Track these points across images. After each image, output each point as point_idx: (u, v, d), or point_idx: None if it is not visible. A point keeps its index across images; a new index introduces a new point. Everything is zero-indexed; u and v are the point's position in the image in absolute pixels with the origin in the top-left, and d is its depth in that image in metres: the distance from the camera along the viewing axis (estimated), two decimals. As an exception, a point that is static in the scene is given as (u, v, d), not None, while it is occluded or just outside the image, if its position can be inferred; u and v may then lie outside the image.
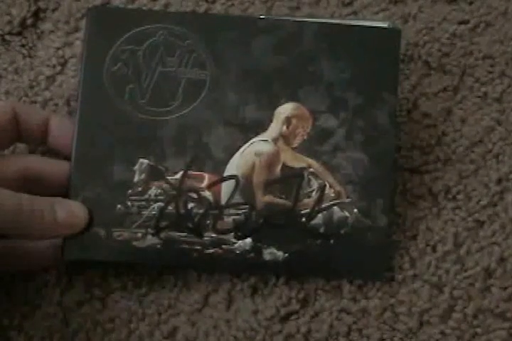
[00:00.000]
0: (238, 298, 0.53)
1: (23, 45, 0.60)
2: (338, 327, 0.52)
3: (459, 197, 0.55)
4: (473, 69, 0.59)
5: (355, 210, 0.51)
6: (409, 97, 0.58)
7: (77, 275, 0.53)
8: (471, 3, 0.61)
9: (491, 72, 0.59)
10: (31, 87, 0.59)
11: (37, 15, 0.61)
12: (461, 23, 0.61)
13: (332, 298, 0.53)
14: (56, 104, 0.58)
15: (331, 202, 0.51)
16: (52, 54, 0.60)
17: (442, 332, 0.52)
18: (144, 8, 0.61)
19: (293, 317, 0.52)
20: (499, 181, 0.56)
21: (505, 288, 0.53)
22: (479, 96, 0.58)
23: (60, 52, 0.60)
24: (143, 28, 0.52)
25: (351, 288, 0.53)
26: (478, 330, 0.52)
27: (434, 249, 0.54)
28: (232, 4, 0.61)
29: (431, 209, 0.55)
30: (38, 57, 0.60)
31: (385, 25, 0.55)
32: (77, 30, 0.61)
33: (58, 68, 0.59)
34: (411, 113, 0.58)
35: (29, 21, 0.60)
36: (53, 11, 0.61)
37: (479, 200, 0.55)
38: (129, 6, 0.60)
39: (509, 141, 0.57)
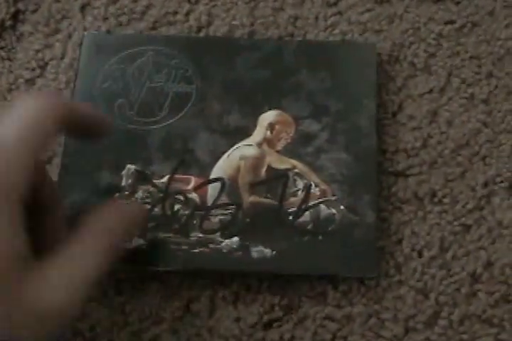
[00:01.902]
0: (220, 305, 0.53)
1: (1, 48, 0.61)
2: (323, 334, 0.52)
3: (445, 200, 0.55)
4: (459, 70, 0.59)
5: (342, 207, 0.52)
6: (394, 99, 0.58)
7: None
8: (457, 3, 0.62)
9: (477, 73, 0.59)
10: (10, 91, 0.59)
11: (16, 17, 0.61)
12: (447, 23, 0.61)
13: (316, 304, 0.53)
14: (35, 108, 0.58)
15: (318, 200, 0.53)
16: (32, 56, 0.60)
17: (428, 339, 0.52)
18: (125, 9, 0.61)
19: (276, 325, 0.52)
20: (486, 184, 0.56)
21: (492, 294, 0.52)
22: (466, 98, 0.58)
23: (40, 54, 0.60)
24: (133, 49, 0.57)
25: (335, 295, 0.53)
26: (465, 337, 0.51)
27: (419, 254, 0.54)
28: (215, 5, 0.62)
29: (416, 214, 0.55)
30: (17, 60, 0.60)
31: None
32: (57, 32, 0.61)
33: (38, 71, 0.60)
34: (396, 115, 0.58)
35: (8, 23, 0.61)
36: (33, 12, 0.62)
37: (466, 204, 0.55)
38: (119, 33, 0.61)
39: (496, 144, 0.57)
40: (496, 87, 0.59)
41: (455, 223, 0.54)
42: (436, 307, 0.52)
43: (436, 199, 0.55)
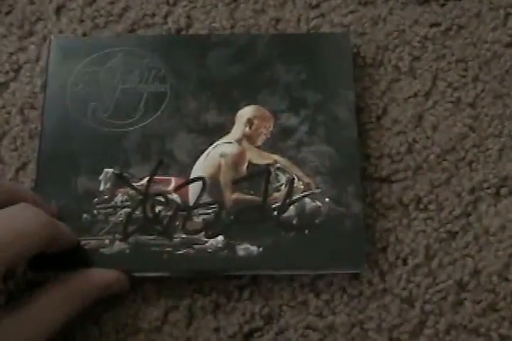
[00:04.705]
0: (199, 314, 0.52)
1: (-26, 51, 0.61)
2: (305, 344, 0.52)
3: (431, 207, 0.55)
4: (445, 74, 0.60)
5: (327, 199, 0.53)
6: (378, 103, 0.59)
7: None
8: (443, 5, 0.62)
9: (463, 77, 0.60)
10: (-18, 94, 0.59)
11: (-12, 19, 0.62)
12: (432, 25, 0.62)
13: (297, 313, 0.53)
14: (9, 113, 0.59)
15: (302, 194, 0.53)
16: (5, 59, 0.61)
17: (413, 349, 0.52)
18: (102, 11, 0.62)
19: (257, 335, 0.52)
20: (472, 190, 0.56)
21: (478, 302, 0.53)
22: (452, 102, 0.59)
23: (14, 57, 0.61)
24: (103, 51, 0.58)
25: (318, 303, 0.53)
26: (451, 347, 0.52)
27: (404, 262, 0.54)
28: (194, 7, 0.62)
29: (401, 220, 0.55)
30: (-11, 63, 0.60)
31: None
32: (31, 34, 0.61)
33: (11, 74, 0.60)
34: (380, 119, 0.58)
35: (-20, 25, 0.61)
36: (6, 14, 0.62)
37: (452, 210, 0.55)
38: (88, 36, 0.62)
39: (483, 149, 0.57)
40: (483, 90, 0.59)
41: (441, 230, 0.55)
42: (422, 316, 0.52)
43: (421, 206, 0.56)
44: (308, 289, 0.53)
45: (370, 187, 0.56)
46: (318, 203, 0.53)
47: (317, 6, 0.62)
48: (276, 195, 0.53)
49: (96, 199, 0.53)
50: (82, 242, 0.51)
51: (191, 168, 0.54)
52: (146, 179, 0.54)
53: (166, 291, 0.53)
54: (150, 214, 0.53)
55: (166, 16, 0.62)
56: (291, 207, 0.53)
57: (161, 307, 0.53)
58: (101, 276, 0.50)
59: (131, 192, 0.53)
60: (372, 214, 0.55)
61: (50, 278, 0.49)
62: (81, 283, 0.48)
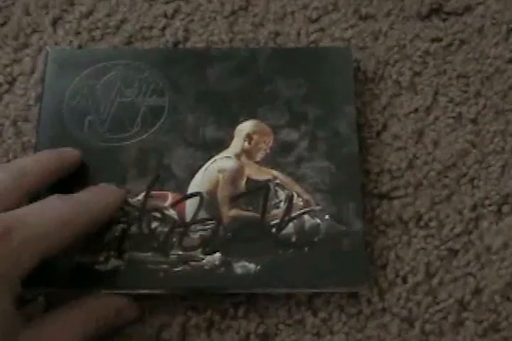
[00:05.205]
0: (193, 332, 0.52)
1: (-33, 62, 0.60)
2: (301, 364, 0.51)
3: (431, 224, 0.55)
4: (446, 89, 0.59)
5: (327, 216, 0.52)
6: (378, 118, 0.58)
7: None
8: (444, 20, 0.62)
9: (465, 92, 0.59)
10: (-24, 107, 0.59)
11: (-17, 30, 0.61)
12: (434, 40, 0.61)
13: (294, 332, 0.52)
14: (2, 125, 0.58)
15: (301, 211, 0.52)
16: (0, 71, 0.60)
17: (413, 370, 0.51)
18: (99, 23, 0.62)
19: (252, 354, 0.51)
20: (474, 207, 0.55)
21: (480, 322, 0.52)
22: (453, 117, 0.58)
23: (8, 69, 0.60)
24: (101, 64, 0.58)
25: (315, 322, 0.52)
26: (452, 368, 0.51)
27: (404, 280, 0.53)
28: (192, 20, 0.62)
29: (401, 238, 0.54)
30: (-17, 75, 0.60)
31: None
32: (26, 46, 0.61)
33: (5, 87, 0.60)
34: (380, 135, 0.58)
35: (-25, 37, 0.61)
36: (1, 25, 0.62)
37: (453, 228, 0.55)
38: (85, 48, 0.62)
39: (485, 165, 0.57)
40: (485, 106, 0.59)
41: (442, 248, 0.54)
42: (422, 336, 0.52)
43: (421, 223, 0.55)
44: (305, 307, 0.52)
45: (369, 203, 0.55)
46: (318, 220, 0.52)
47: (317, 20, 0.62)
48: (275, 211, 0.53)
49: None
50: (76, 259, 0.50)
51: (189, 183, 0.53)
52: (143, 194, 0.53)
53: (159, 308, 0.52)
54: (146, 231, 0.52)
55: (163, 29, 0.62)
56: (290, 224, 0.52)
57: (154, 325, 0.52)
58: (113, 302, 0.49)
59: (127, 207, 0.52)
60: (372, 231, 0.55)
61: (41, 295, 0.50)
62: (95, 308, 0.48)
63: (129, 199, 0.53)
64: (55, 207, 0.45)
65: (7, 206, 0.45)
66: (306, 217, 0.52)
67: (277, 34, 0.62)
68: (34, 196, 0.49)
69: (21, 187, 0.47)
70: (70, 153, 0.53)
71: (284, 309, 0.52)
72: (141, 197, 0.53)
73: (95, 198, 0.49)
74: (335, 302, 0.52)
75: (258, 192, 0.53)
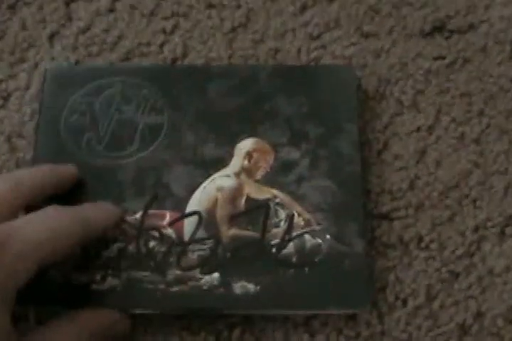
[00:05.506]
0: (186, 356, 0.51)
1: (-38, 77, 0.60)
2: (297, 389, 0.50)
3: (433, 246, 0.54)
4: (449, 108, 0.59)
5: (328, 237, 0.51)
6: (379, 137, 0.58)
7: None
8: (447, 38, 0.62)
9: (468, 111, 0.59)
10: (-31, 123, 0.58)
11: (-21, 44, 0.61)
12: (437, 58, 0.61)
13: (291, 355, 0.51)
14: (-4, 140, 0.57)
15: (302, 231, 0.52)
16: (-6, 87, 0.60)
17: None
18: (96, 39, 0.61)
19: (247, 377, 0.51)
20: (476, 229, 0.55)
21: (482, 347, 0.51)
22: (456, 137, 0.58)
23: (3, 85, 0.60)
24: (100, 81, 0.57)
25: (312, 345, 0.51)
26: None
27: (404, 303, 0.53)
28: (191, 36, 0.62)
29: (401, 259, 0.54)
30: (-22, 91, 0.60)
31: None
32: (23, 61, 0.61)
33: (0, 102, 0.59)
34: (381, 154, 0.57)
35: (-29, 51, 0.60)
36: (-2, 40, 0.61)
37: (454, 250, 0.54)
38: (84, 64, 0.61)
39: (488, 186, 0.56)
40: (488, 126, 0.58)
41: (443, 270, 0.53)
42: (422, 361, 0.51)
43: (422, 245, 0.54)
44: (302, 329, 0.52)
45: (369, 224, 0.55)
46: (319, 240, 0.51)
47: (318, 37, 0.61)
48: (275, 231, 0.52)
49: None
50: (73, 277, 0.50)
51: (187, 201, 0.53)
52: (141, 213, 0.52)
53: (154, 328, 0.52)
54: (143, 250, 0.51)
55: (162, 45, 0.61)
56: (291, 244, 0.51)
57: (146, 348, 0.51)
58: (106, 316, 0.49)
59: (125, 226, 0.52)
60: (371, 253, 0.54)
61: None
62: (88, 322, 0.48)
63: (127, 218, 0.52)
64: (51, 218, 0.45)
65: (3, 216, 0.45)
66: (306, 236, 0.52)
67: (277, 51, 0.61)
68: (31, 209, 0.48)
69: (18, 198, 0.47)
70: (66, 169, 0.52)
71: (281, 331, 0.52)
72: (138, 215, 0.52)
73: (92, 211, 0.49)
74: (333, 325, 0.52)
75: (258, 211, 0.52)
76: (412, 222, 0.55)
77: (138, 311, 0.50)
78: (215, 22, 0.62)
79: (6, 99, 0.59)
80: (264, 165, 0.54)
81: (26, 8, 0.63)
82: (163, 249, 0.51)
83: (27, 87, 0.60)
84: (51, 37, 0.62)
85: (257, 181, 0.54)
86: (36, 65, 0.61)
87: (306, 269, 0.51)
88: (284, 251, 0.51)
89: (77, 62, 0.61)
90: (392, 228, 0.55)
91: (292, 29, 0.62)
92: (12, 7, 0.63)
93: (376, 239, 0.54)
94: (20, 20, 0.62)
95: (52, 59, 0.61)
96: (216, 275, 0.50)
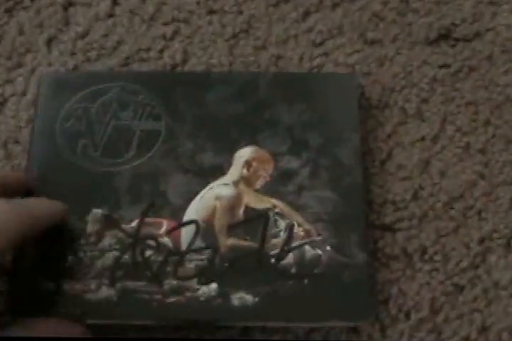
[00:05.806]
0: (182, 369, 0.50)
1: (-41, 81, 0.59)
2: None
3: (437, 258, 0.54)
4: (454, 117, 0.58)
5: (328, 247, 0.51)
6: (383, 147, 0.57)
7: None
8: (453, 46, 0.61)
9: (474, 121, 0.58)
10: (-35, 127, 0.58)
11: (-24, 49, 0.61)
12: (442, 66, 0.60)
13: (290, 370, 0.50)
14: (-8, 146, 0.57)
15: (302, 241, 0.51)
16: (-9, 92, 0.59)
17: None
18: (95, 44, 0.61)
19: None
20: (481, 241, 0.54)
21: (487, 362, 0.51)
22: (461, 147, 0.57)
23: (0, 90, 0.59)
24: (96, 87, 0.56)
25: (312, 359, 0.51)
26: None
27: (407, 316, 0.52)
28: (192, 42, 0.61)
29: (405, 271, 0.53)
30: (-26, 96, 0.59)
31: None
32: (20, 65, 0.60)
33: (-4, 107, 0.59)
34: (385, 164, 0.57)
35: (-33, 56, 0.60)
36: (-6, 45, 0.61)
37: (459, 262, 0.53)
38: (81, 69, 0.61)
39: (493, 197, 0.55)
40: (494, 135, 0.58)
41: (447, 283, 0.53)
42: (425, 375, 0.50)
43: (426, 257, 0.54)
44: (302, 342, 0.51)
45: (371, 235, 0.54)
46: (319, 251, 0.51)
47: (321, 44, 0.61)
48: (274, 241, 0.51)
49: (82, 241, 0.51)
50: (66, 286, 0.49)
51: (184, 210, 0.52)
52: (137, 221, 0.52)
53: (149, 340, 0.52)
54: (139, 259, 0.51)
55: (161, 51, 0.61)
56: (290, 255, 0.51)
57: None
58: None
59: (120, 234, 0.51)
60: (374, 264, 0.53)
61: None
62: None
63: (123, 226, 0.51)
64: None
65: None
66: (306, 247, 0.51)
67: (279, 58, 0.61)
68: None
69: None
70: (13, 173, 0.54)
71: (280, 345, 0.51)
72: (135, 224, 0.52)
73: (35, 205, 0.48)
74: (334, 337, 0.51)
75: (257, 221, 0.52)
76: (415, 234, 0.54)
77: (133, 322, 0.50)
78: (216, 28, 0.62)
79: (2, 104, 0.59)
80: (264, 174, 0.53)
81: (24, 12, 0.63)
82: (159, 259, 0.51)
83: (24, 93, 0.59)
84: (49, 42, 0.62)
85: (256, 190, 0.53)
86: (33, 71, 0.60)
87: (306, 281, 0.50)
88: (284, 262, 0.51)
89: (74, 68, 0.60)
90: (396, 239, 0.54)
91: (295, 36, 0.62)
92: (9, 11, 0.63)
93: (379, 251, 0.54)
94: (18, 25, 0.62)
95: (50, 64, 0.61)
96: (214, 285, 0.50)
